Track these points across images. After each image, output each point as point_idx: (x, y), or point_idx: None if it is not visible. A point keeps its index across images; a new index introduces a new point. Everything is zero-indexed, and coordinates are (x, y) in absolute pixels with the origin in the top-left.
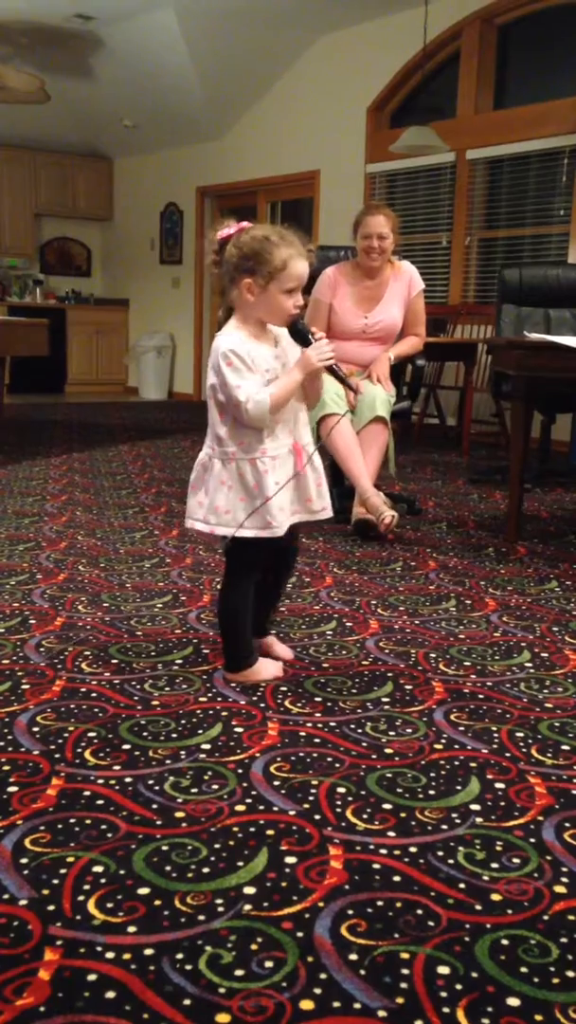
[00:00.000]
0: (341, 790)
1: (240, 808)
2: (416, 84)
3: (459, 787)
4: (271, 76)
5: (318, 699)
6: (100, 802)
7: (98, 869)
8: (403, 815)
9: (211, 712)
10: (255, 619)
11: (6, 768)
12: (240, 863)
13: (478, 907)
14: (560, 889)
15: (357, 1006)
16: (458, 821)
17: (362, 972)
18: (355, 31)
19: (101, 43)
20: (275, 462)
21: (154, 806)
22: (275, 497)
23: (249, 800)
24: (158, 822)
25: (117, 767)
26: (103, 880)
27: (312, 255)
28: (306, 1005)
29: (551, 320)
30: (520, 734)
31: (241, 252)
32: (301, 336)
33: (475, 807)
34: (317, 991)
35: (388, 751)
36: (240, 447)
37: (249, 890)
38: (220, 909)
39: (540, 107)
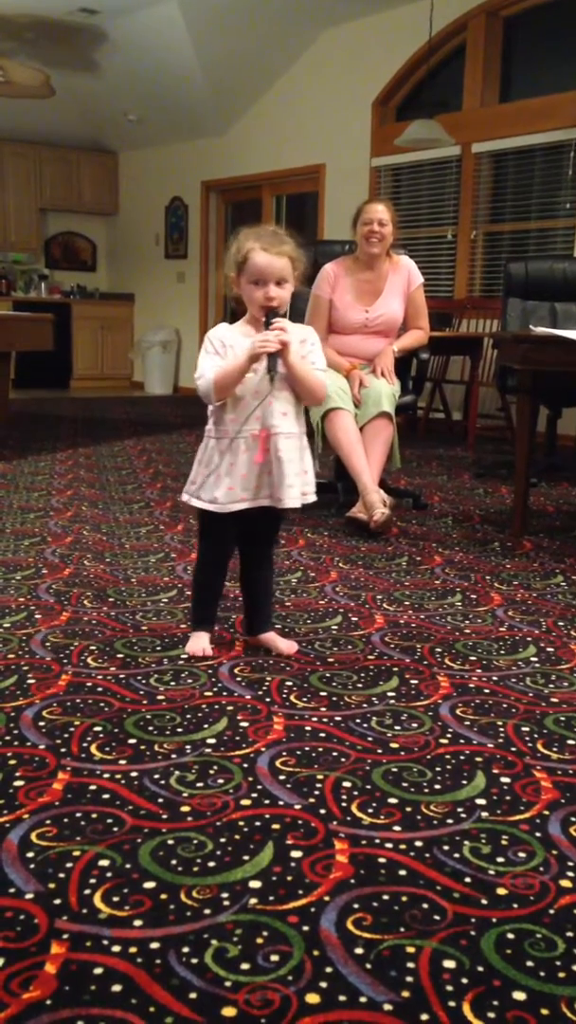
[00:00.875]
0: (347, 784)
1: (246, 802)
2: (421, 77)
3: (465, 781)
4: (276, 70)
5: (324, 693)
6: (106, 796)
7: (104, 863)
8: (409, 809)
9: (216, 707)
10: (247, 617)
11: (12, 762)
12: (246, 857)
13: (484, 901)
14: (566, 883)
15: (363, 1000)
16: (464, 815)
17: (368, 966)
18: (360, 24)
19: (105, 37)
20: (233, 443)
21: (160, 800)
22: (225, 477)
23: (255, 794)
24: (164, 816)
25: (123, 761)
26: (109, 874)
27: (286, 256)
28: (312, 999)
29: (557, 314)
30: (526, 728)
31: (230, 252)
32: (266, 324)
33: (481, 801)
34: (323, 985)
35: (394, 745)
36: (214, 426)
37: (255, 884)
38: (226, 903)
39: (546, 100)
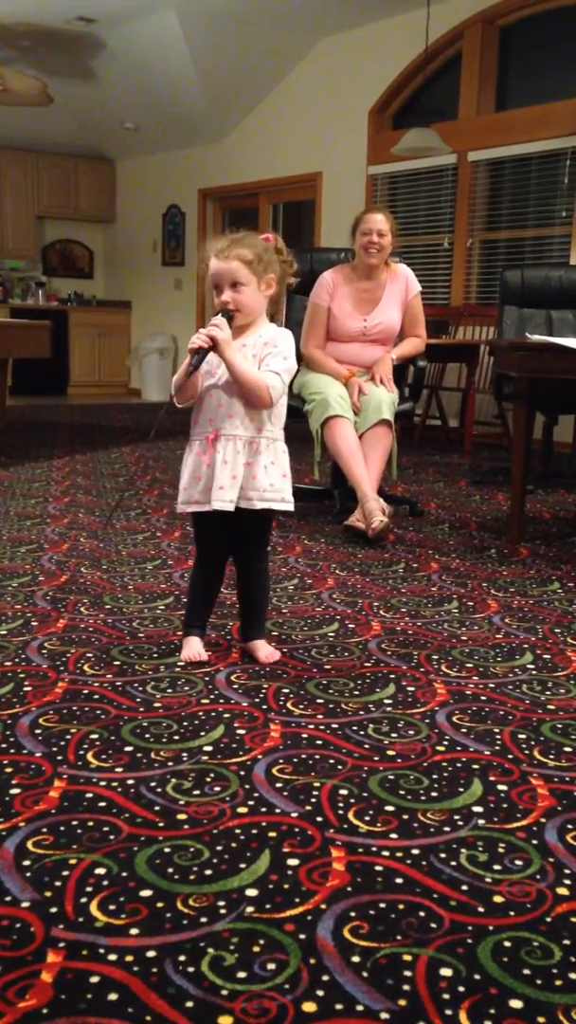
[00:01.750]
0: (343, 792)
1: (242, 810)
2: (418, 86)
3: (461, 789)
4: (273, 78)
5: (320, 701)
6: (102, 804)
7: (100, 871)
8: (405, 817)
9: (213, 714)
10: (240, 621)
11: (8, 770)
12: (242, 865)
13: (481, 909)
14: (563, 891)
15: (359, 1008)
16: (460, 823)
17: (364, 974)
18: (357, 33)
19: (103, 45)
20: (191, 446)
21: (156, 808)
22: (184, 476)
23: (251, 802)
24: (160, 824)
25: (119, 769)
26: (105, 882)
27: (235, 259)
28: (308, 1007)
29: (553, 321)
30: (522, 736)
31: None
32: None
33: (477, 809)
34: (319, 993)
35: (390, 753)
36: (191, 428)
37: (251, 892)
38: (222, 911)
39: (542, 109)
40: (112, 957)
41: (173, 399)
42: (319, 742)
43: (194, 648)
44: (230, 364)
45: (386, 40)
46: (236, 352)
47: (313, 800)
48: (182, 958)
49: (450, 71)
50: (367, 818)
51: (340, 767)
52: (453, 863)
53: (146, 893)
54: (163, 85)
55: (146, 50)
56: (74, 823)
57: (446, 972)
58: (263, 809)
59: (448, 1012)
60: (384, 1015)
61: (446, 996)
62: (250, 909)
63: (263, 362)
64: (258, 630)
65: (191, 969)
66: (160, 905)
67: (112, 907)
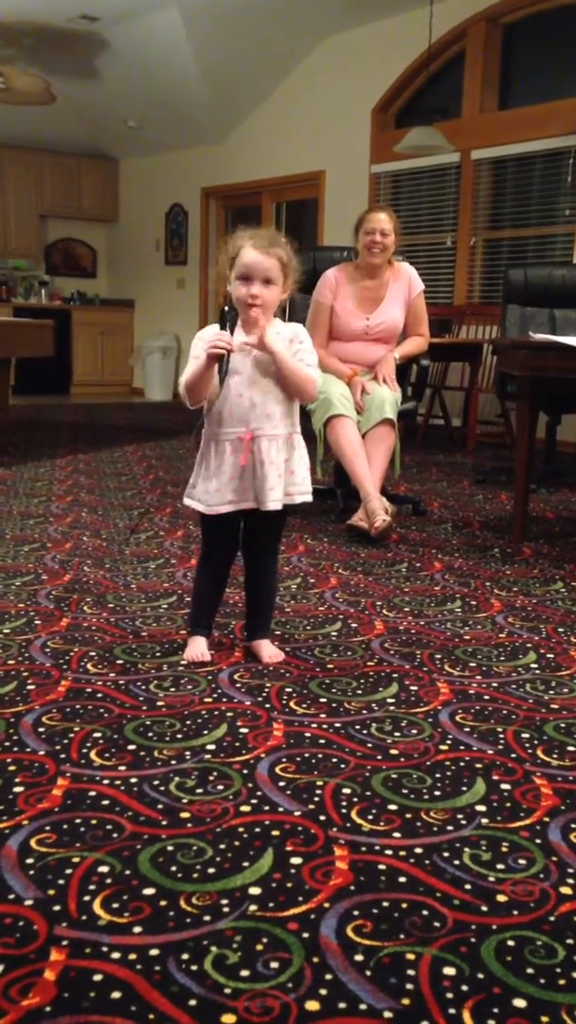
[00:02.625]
0: (346, 791)
1: (245, 809)
2: (421, 84)
3: (465, 788)
4: (276, 77)
5: (323, 700)
6: (105, 802)
7: (103, 869)
8: (408, 816)
9: (216, 713)
10: (245, 621)
11: (12, 768)
12: (245, 864)
13: (484, 908)
14: (566, 890)
15: (363, 1007)
16: (464, 822)
17: (368, 973)
18: (360, 32)
19: (106, 44)
20: (221, 447)
21: (159, 806)
22: (213, 479)
23: (254, 801)
24: (163, 822)
25: (122, 767)
26: (108, 880)
27: (275, 257)
28: (312, 1006)
29: (556, 320)
30: (526, 735)
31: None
32: (221, 323)
33: (481, 808)
34: (323, 992)
35: (393, 752)
36: (207, 427)
37: (254, 891)
38: (226, 910)
39: (545, 107)
40: (115, 955)
41: (185, 399)
42: (322, 741)
43: (199, 648)
44: (281, 361)
45: (389, 38)
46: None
47: (316, 799)
48: (185, 956)
49: (453, 69)
50: (370, 817)
51: (343, 766)
52: (456, 862)
53: (149, 891)
54: (166, 84)
55: (149, 49)
56: (77, 821)
57: (449, 971)
58: (266, 808)
59: (452, 1011)
60: (387, 1014)
61: (449, 995)
62: (253, 908)
63: (295, 356)
64: (264, 629)
65: (194, 967)
66: (163, 903)
67: (115, 905)
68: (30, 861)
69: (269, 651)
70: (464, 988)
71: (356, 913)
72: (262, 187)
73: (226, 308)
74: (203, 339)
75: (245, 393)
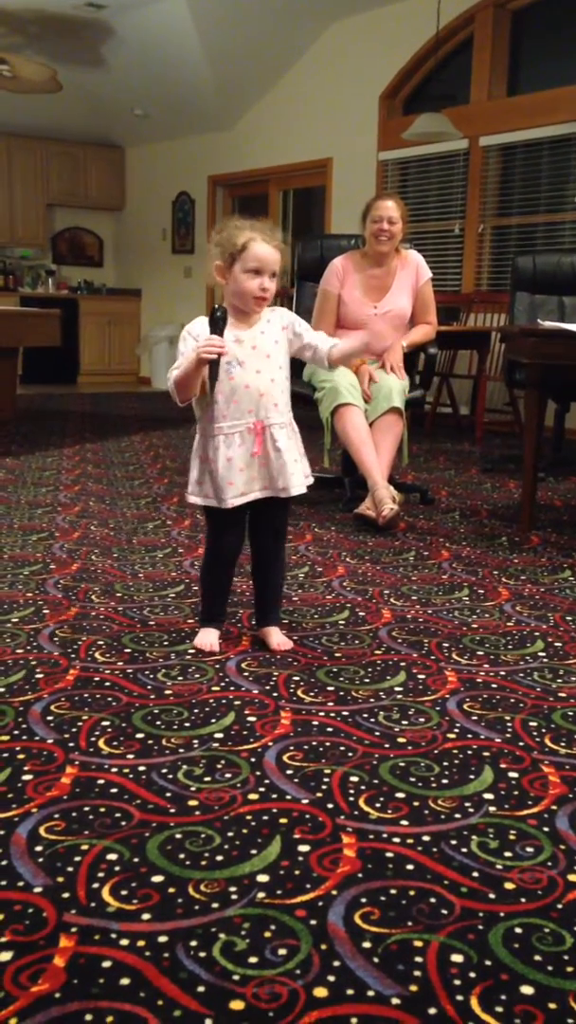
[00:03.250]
0: (354, 779)
1: (253, 796)
2: (429, 71)
3: (472, 776)
4: (283, 64)
5: (331, 688)
6: (114, 790)
7: (112, 857)
8: (416, 804)
9: (224, 701)
10: (255, 608)
11: (21, 756)
12: (253, 851)
13: (492, 895)
14: (574, 878)
15: (371, 993)
16: (471, 810)
17: (376, 960)
18: (367, 18)
19: (112, 32)
20: (229, 439)
21: (168, 794)
22: (224, 472)
23: (262, 789)
24: (172, 810)
25: (131, 756)
26: (117, 868)
27: (282, 250)
28: (320, 992)
29: (565, 307)
30: (533, 723)
31: (216, 240)
32: (212, 325)
33: (488, 796)
34: (331, 978)
35: (401, 740)
36: (206, 422)
37: (263, 878)
38: (234, 897)
39: (554, 93)
40: (124, 942)
41: (174, 396)
42: (329, 729)
43: (211, 638)
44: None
45: (397, 24)
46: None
47: (324, 787)
48: (194, 943)
49: (461, 55)
50: (378, 805)
51: (351, 754)
52: (464, 850)
53: (158, 879)
54: (173, 71)
55: (156, 36)
56: (86, 809)
57: (457, 958)
58: (274, 796)
59: (459, 998)
60: (395, 1000)
61: (457, 982)
62: (261, 895)
63: (303, 336)
64: (274, 615)
65: (203, 954)
66: (172, 891)
67: (124, 892)
68: (39, 849)
69: (278, 638)
70: (472, 975)
71: (364, 900)
72: (269, 175)
73: (216, 309)
74: (191, 335)
75: (252, 383)
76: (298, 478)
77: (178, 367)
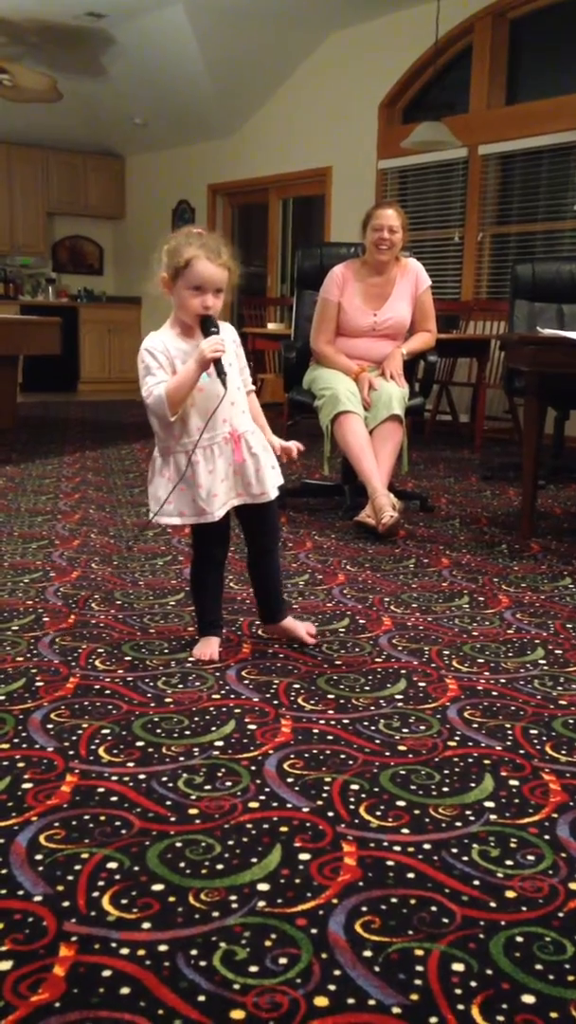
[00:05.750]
0: (355, 787)
1: (253, 805)
2: (428, 80)
3: (473, 784)
4: (282, 73)
5: (331, 696)
6: (114, 799)
7: (112, 865)
8: (417, 812)
9: (224, 709)
10: (261, 608)
11: (21, 765)
12: (254, 860)
13: (492, 904)
14: (575, 886)
15: (372, 1003)
16: (472, 818)
17: (376, 969)
18: (366, 27)
19: (112, 41)
20: (207, 452)
21: (168, 803)
22: (208, 486)
23: (263, 797)
24: (172, 819)
25: (131, 764)
26: (117, 876)
27: (226, 267)
28: (320, 1002)
29: (564, 316)
30: (534, 731)
31: (164, 249)
32: (205, 330)
33: (489, 804)
34: (331, 988)
35: (401, 748)
36: (175, 439)
37: (263, 887)
38: (234, 906)
39: (553, 102)
40: (124, 951)
41: (163, 411)
42: (330, 737)
43: (211, 648)
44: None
45: (396, 34)
46: None
47: (324, 795)
48: (194, 952)
49: (460, 64)
50: (378, 813)
51: (351, 762)
52: (465, 858)
53: (158, 887)
54: (172, 80)
55: (155, 45)
56: (86, 818)
57: (458, 967)
58: (274, 804)
59: (460, 1007)
60: (396, 1010)
61: (458, 991)
62: (262, 904)
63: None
64: (285, 606)
65: (203, 963)
66: (172, 899)
67: (124, 901)
68: (39, 857)
69: (305, 626)
70: (473, 984)
71: (364, 909)
72: (269, 183)
73: (206, 319)
74: (157, 351)
75: (225, 394)
76: (273, 482)
77: (162, 381)
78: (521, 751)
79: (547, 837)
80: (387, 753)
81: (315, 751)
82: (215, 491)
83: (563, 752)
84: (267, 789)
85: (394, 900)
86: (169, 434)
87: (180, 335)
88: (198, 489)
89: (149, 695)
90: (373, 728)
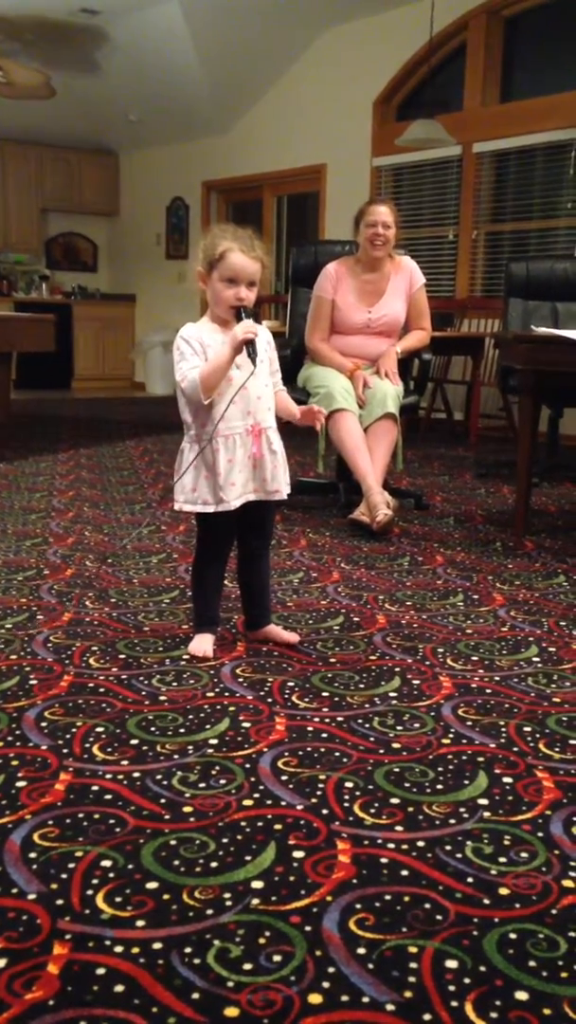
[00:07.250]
0: (349, 785)
1: (248, 803)
2: (422, 77)
3: (467, 781)
4: (277, 69)
5: (325, 694)
6: (108, 797)
7: (106, 863)
8: (411, 809)
9: (218, 707)
10: (247, 612)
11: (15, 763)
12: (248, 857)
13: (486, 901)
14: (568, 883)
15: (365, 1000)
16: (466, 815)
17: (370, 966)
18: (361, 24)
19: (106, 37)
20: (228, 441)
21: (162, 801)
22: (226, 474)
23: (257, 795)
24: (166, 817)
25: (125, 762)
26: (111, 874)
27: (259, 261)
28: (314, 999)
29: (559, 314)
30: (528, 728)
31: (201, 245)
32: (239, 321)
33: (483, 801)
34: (325, 985)
35: (396, 746)
36: (200, 426)
37: (257, 884)
38: (228, 903)
39: (547, 100)
40: (118, 949)
41: (197, 395)
42: (324, 735)
43: (206, 645)
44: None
45: (390, 31)
46: None
47: (319, 793)
48: (188, 950)
49: (455, 62)
50: (372, 810)
51: (345, 760)
52: (458, 855)
53: (152, 885)
54: (167, 77)
55: (150, 42)
56: (80, 816)
57: (452, 964)
58: (269, 802)
59: (454, 1004)
60: (390, 1007)
61: (452, 988)
62: (256, 901)
63: (272, 362)
64: (270, 612)
65: (197, 961)
66: (166, 897)
67: (118, 899)
68: (33, 855)
69: (288, 633)
70: (466, 981)
71: (358, 906)
72: (263, 180)
73: (240, 310)
74: (192, 338)
75: (251, 386)
76: (286, 480)
77: (196, 367)
78: (515, 748)
79: (540, 834)
80: (381, 751)
81: (309, 749)
82: (233, 479)
83: (556, 749)
84: (261, 787)
85: (388, 897)
86: (199, 422)
87: (217, 326)
88: (218, 477)
89: (143, 693)
90: (367, 726)
